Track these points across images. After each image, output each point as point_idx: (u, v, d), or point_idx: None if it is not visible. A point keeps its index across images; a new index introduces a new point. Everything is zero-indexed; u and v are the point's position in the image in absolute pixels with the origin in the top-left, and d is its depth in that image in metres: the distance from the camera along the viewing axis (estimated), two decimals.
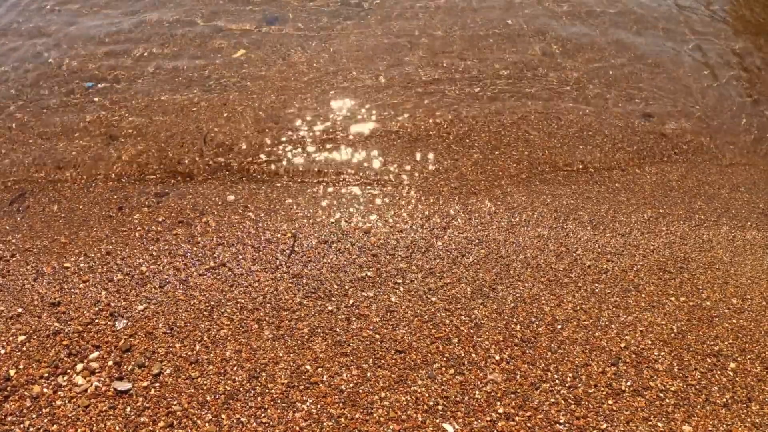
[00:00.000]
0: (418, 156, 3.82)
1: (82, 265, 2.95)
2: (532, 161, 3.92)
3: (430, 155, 3.84)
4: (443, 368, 2.54)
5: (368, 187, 3.56)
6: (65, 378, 2.41)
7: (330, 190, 3.54)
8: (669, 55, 5.02)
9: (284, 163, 3.67)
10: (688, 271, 3.25)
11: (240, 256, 3.04)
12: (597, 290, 3.02)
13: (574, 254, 3.24)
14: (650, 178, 3.94)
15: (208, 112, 4.04)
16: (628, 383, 2.55)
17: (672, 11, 5.59)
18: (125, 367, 2.46)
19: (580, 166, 3.90)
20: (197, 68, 4.42)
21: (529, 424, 2.35)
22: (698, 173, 4.07)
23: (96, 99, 4.09)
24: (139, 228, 3.19)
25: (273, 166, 3.63)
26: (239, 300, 2.79)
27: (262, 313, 2.73)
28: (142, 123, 3.89)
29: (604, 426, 2.38)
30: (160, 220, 3.25)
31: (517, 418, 2.37)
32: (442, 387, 2.46)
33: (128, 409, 2.31)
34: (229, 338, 2.60)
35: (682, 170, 4.06)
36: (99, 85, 4.15)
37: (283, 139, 3.84)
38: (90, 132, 3.79)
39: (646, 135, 4.30)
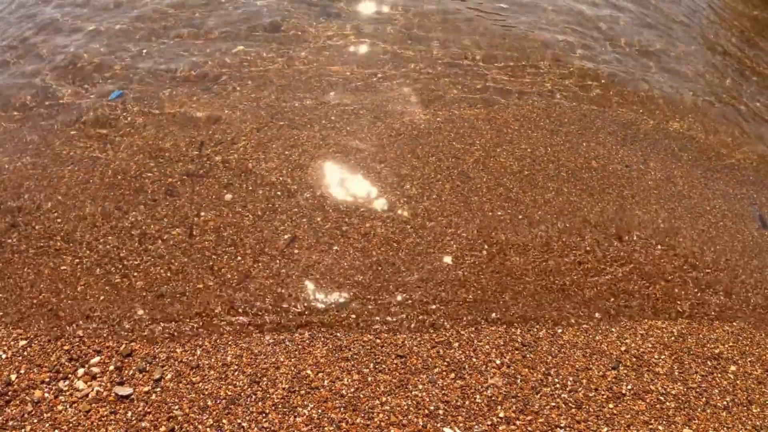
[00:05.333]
0: (418, 151, 3.77)
1: (79, 267, 2.93)
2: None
3: (430, 153, 3.80)
4: (444, 372, 2.54)
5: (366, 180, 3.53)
6: (66, 383, 2.41)
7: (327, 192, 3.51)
8: None
9: (282, 161, 3.64)
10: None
11: (239, 257, 3.02)
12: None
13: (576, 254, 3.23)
14: None
15: (204, 109, 3.99)
16: (629, 387, 2.56)
17: None
18: (126, 371, 2.46)
19: None
20: (195, 65, 4.36)
21: (530, 428, 2.36)
22: None
23: (95, 97, 4.04)
24: (136, 227, 3.16)
25: (272, 164, 3.60)
26: (239, 303, 2.78)
27: (263, 317, 2.72)
28: (139, 122, 3.85)
29: (605, 430, 2.38)
30: (157, 218, 3.22)
31: (518, 422, 2.38)
32: (443, 391, 2.46)
33: (129, 414, 2.31)
34: (230, 343, 2.60)
35: None
36: (113, 89, 4.09)
37: (282, 137, 3.80)
38: (87, 131, 3.75)
39: None
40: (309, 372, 2.49)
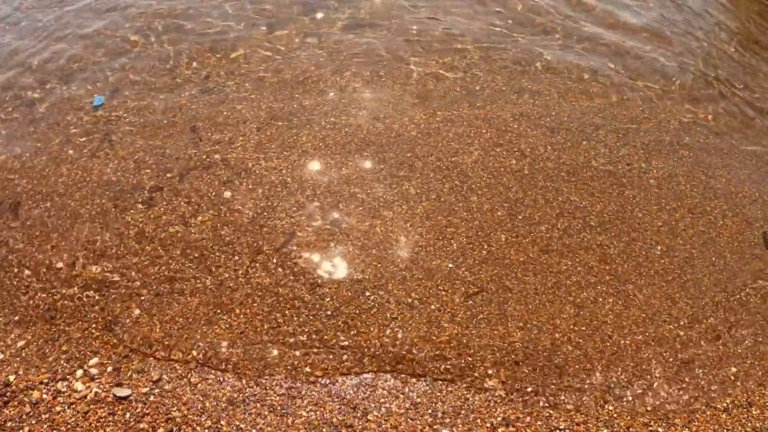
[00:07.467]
0: (418, 150, 3.74)
1: (76, 265, 2.92)
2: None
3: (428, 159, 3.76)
4: (443, 374, 2.53)
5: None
6: (65, 384, 2.41)
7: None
8: None
9: (282, 158, 3.61)
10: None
11: (236, 257, 3.00)
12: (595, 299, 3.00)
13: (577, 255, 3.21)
14: None
15: (204, 109, 3.95)
16: (629, 388, 2.55)
17: None
18: (124, 373, 2.45)
19: None
20: (194, 69, 4.31)
21: (529, 431, 2.35)
22: None
23: (94, 96, 4.01)
24: (133, 226, 3.14)
25: (272, 162, 3.56)
26: (239, 303, 2.77)
27: (261, 317, 2.71)
28: (138, 122, 3.82)
29: (605, 431, 2.38)
30: (155, 218, 3.20)
31: (517, 424, 2.37)
32: (442, 393, 2.45)
33: (128, 415, 2.31)
34: (229, 343, 2.59)
35: None
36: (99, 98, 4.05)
37: (281, 133, 3.77)
38: (86, 129, 3.72)
39: None
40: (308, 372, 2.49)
